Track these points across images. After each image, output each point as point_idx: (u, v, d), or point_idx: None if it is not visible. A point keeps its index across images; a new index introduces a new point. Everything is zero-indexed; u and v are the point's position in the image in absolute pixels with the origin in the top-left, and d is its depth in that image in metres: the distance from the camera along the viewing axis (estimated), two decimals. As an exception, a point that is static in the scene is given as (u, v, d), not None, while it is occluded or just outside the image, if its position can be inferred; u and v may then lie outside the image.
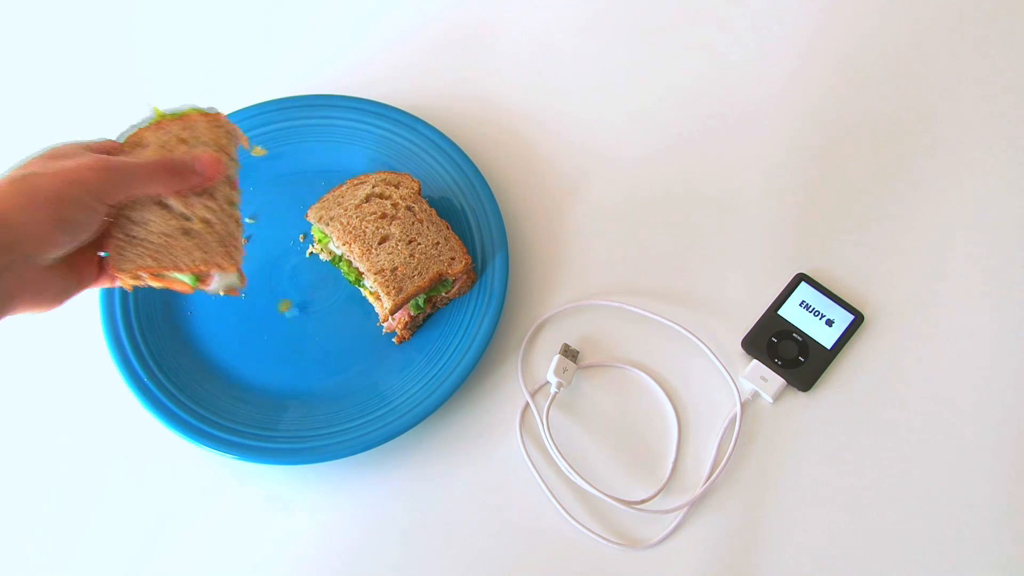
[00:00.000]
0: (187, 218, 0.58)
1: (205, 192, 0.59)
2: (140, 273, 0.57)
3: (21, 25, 0.88)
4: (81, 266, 0.57)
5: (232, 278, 0.59)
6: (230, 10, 0.88)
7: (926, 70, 0.84)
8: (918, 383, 0.71)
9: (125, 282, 0.57)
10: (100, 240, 0.58)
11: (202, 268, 0.58)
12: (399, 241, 0.69)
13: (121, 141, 0.60)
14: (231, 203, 0.60)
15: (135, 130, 0.61)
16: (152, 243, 0.57)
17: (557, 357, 0.70)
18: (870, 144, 0.80)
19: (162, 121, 0.61)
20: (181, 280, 0.58)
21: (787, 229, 0.76)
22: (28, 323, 0.73)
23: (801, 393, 0.70)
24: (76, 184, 0.53)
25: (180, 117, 0.62)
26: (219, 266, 0.57)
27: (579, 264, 0.75)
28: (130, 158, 0.57)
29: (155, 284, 0.58)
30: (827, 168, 0.79)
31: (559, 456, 0.65)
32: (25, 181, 0.53)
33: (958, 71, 0.84)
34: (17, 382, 0.72)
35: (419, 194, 0.72)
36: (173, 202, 0.58)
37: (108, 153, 0.58)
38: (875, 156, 0.80)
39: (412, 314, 0.70)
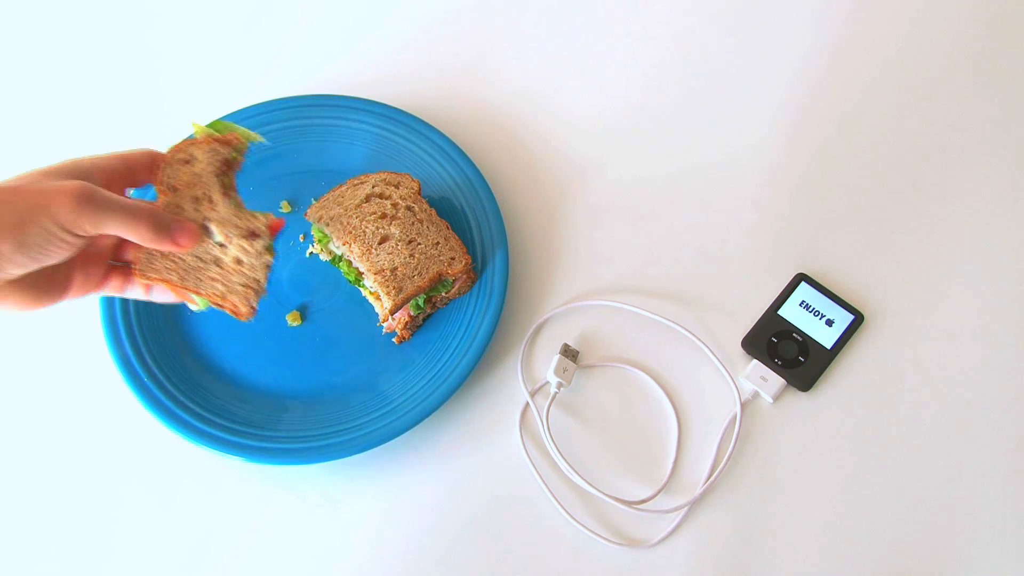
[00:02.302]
0: (223, 246, 0.59)
1: (250, 232, 0.60)
2: (160, 283, 0.59)
3: (23, 24, 0.88)
4: (69, 275, 0.57)
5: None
6: (231, 10, 0.88)
7: (927, 70, 0.84)
8: (918, 383, 0.71)
9: (143, 283, 0.59)
10: (122, 248, 0.60)
11: (218, 302, 0.59)
12: (399, 241, 0.69)
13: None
14: (268, 249, 0.60)
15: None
16: (183, 261, 0.59)
17: (557, 357, 0.70)
18: (871, 144, 0.80)
19: (206, 137, 0.62)
20: (194, 299, 0.60)
21: (787, 229, 0.76)
22: (28, 324, 0.73)
23: (801, 393, 0.70)
24: (43, 210, 0.51)
25: (218, 130, 0.62)
26: (234, 306, 0.59)
27: (579, 264, 0.75)
28: (121, 200, 0.55)
29: (171, 292, 0.60)
30: (827, 168, 0.79)
31: (559, 456, 0.65)
32: (2, 194, 0.51)
33: (959, 72, 0.84)
34: (17, 384, 0.72)
35: (419, 194, 0.72)
36: (215, 228, 0.59)
37: (149, 165, 0.59)
38: (875, 156, 0.80)
39: (412, 314, 0.70)
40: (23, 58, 0.86)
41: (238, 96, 0.80)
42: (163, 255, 0.59)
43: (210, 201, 0.60)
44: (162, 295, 0.61)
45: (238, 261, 0.59)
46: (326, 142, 0.78)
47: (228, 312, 0.60)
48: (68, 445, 0.69)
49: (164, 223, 0.56)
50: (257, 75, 0.84)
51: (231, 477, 0.68)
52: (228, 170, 0.62)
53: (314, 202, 0.73)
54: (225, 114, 0.77)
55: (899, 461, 0.68)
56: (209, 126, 0.62)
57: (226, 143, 0.62)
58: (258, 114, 0.78)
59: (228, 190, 0.61)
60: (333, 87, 0.81)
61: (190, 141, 0.61)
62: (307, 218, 0.72)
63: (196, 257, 0.59)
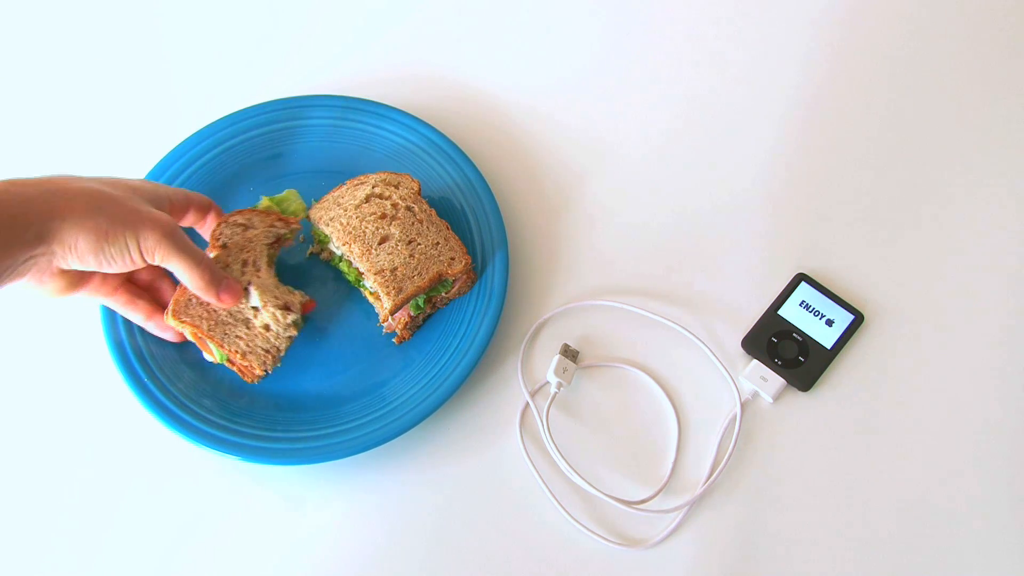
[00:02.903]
0: (256, 310, 0.65)
1: (285, 305, 0.65)
2: (189, 327, 0.64)
3: (31, 24, 0.88)
4: (92, 276, 0.63)
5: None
6: (231, 10, 0.88)
7: (927, 70, 0.84)
8: (918, 383, 0.71)
9: (167, 322, 0.65)
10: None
11: (237, 360, 0.64)
12: (399, 241, 0.69)
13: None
14: (296, 325, 0.66)
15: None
16: (216, 313, 0.64)
17: (557, 357, 0.69)
18: (871, 144, 0.80)
19: (269, 211, 0.69)
20: (213, 349, 0.65)
21: (787, 229, 0.76)
22: (28, 324, 0.73)
23: (801, 393, 0.70)
24: (132, 230, 0.57)
25: (282, 209, 0.71)
26: (251, 367, 0.65)
27: (579, 264, 0.75)
28: (193, 247, 0.61)
29: (189, 335, 0.65)
30: (827, 168, 0.79)
31: (559, 456, 0.65)
32: (97, 198, 0.56)
33: (960, 71, 0.84)
34: (17, 385, 0.72)
35: (419, 194, 0.72)
36: (255, 293, 0.65)
37: (204, 211, 0.67)
38: (875, 156, 0.80)
39: (412, 314, 0.70)
40: (31, 56, 0.86)
41: (239, 96, 0.80)
42: (200, 303, 0.64)
43: (255, 267, 0.66)
44: (160, 329, 0.67)
45: (267, 327, 0.65)
46: (326, 142, 0.78)
47: (238, 371, 0.65)
48: (69, 446, 0.69)
49: (218, 278, 0.62)
50: (258, 75, 0.84)
51: (229, 477, 0.68)
52: (276, 244, 0.68)
53: (314, 202, 0.73)
54: (225, 115, 0.77)
55: (899, 461, 0.68)
56: (273, 200, 0.70)
57: (286, 223, 0.69)
58: (259, 114, 0.78)
59: (271, 262, 0.68)
60: (334, 88, 0.81)
61: (253, 210, 0.68)
62: (307, 218, 0.72)
63: (229, 314, 0.64)
